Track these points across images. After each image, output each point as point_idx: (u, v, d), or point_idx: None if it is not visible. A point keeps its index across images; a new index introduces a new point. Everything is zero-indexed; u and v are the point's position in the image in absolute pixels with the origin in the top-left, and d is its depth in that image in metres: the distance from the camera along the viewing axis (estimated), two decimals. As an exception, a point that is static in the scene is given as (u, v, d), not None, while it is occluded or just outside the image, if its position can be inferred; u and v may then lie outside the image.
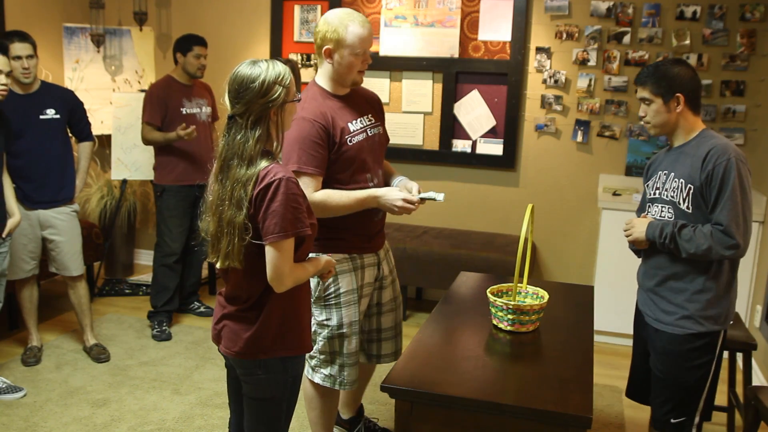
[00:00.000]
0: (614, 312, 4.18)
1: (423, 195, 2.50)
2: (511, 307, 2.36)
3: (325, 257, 2.13)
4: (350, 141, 2.50)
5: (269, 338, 1.99)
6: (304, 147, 2.39)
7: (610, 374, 3.87)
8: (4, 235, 3.33)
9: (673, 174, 2.37)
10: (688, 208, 2.30)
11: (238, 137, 1.91)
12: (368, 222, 2.59)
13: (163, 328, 4.23)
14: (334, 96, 2.53)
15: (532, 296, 2.60)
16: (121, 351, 3.98)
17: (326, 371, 2.63)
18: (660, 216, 2.41)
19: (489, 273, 3.87)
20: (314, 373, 2.66)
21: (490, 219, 4.82)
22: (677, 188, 2.34)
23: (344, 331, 2.58)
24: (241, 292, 2.01)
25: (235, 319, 2.03)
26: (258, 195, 1.88)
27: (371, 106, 2.67)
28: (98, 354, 3.85)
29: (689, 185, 2.29)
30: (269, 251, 1.89)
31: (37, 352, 3.83)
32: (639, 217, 2.51)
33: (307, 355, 2.66)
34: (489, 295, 2.46)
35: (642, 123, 2.44)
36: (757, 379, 3.80)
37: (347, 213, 2.48)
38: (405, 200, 2.45)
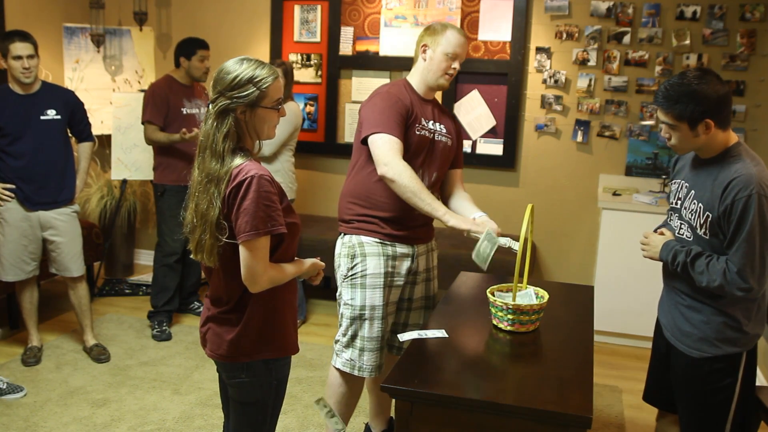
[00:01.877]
0: (614, 312, 4.17)
1: (502, 240, 2.48)
2: (511, 307, 2.36)
3: (310, 260, 2.10)
4: (418, 131, 2.62)
5: (252, 340, 1.97)
6: (389, 114, 2.53)
7: (610, 374, 3.87)
8: None
9: (693, 192, 2.22)
10: (705, 234, 2.16)
11: (207, 126, 1.91)
12: (406, 210, 2.59)
13: (163, 328, 4.23)
14: (418, 94, 2.69)
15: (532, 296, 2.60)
16: (121, 351, 3.98)
17: (347, 355, 2.66)
18: (679, 233, 2.29)
19: (489, 273, 3.86)
20: (337, 358, 2.70)
21: (490, 219, 4.81)
22: (695, 211, 2.19)
23: (365, 313, 2.61)
24: (221, 294, 1.99)
25: (218, 321, 2.01)
26: (230, 194, 1.86)
27: (451, 121, 2.79)
28: (98, 354, 3.85)
29: (707, 212, 2.13)
30: (242, 250, 1.86)
31: (37, 352, 3.83)
32: (667, 211, 2.40)
33: (333, 339, 2.69)
34: (489, 295, 2.46)
35: (666, 142, 2.24)
36: (757, 379, 3.80)
37: (411, 199, 2.49)
38: (472, 226, 2.54)
